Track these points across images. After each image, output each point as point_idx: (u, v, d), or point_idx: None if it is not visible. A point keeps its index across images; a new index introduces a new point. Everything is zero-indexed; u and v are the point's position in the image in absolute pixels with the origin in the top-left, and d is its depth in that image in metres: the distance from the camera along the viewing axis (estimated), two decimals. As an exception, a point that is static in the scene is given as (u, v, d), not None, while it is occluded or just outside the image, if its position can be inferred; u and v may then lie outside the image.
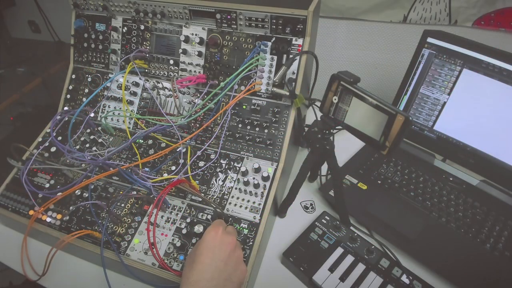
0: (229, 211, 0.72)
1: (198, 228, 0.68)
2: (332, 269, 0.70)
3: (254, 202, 0.73)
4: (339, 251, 0.73)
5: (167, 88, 0.88)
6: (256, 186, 0.74)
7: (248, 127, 0.81)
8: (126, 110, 0.89)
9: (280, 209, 0.83)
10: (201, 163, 0.80)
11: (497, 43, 0.83)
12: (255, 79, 0.80)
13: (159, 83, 0.88)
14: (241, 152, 0.81)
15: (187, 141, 0.83)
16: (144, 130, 0.86)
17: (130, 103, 0.91)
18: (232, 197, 0.74)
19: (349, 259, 0.72)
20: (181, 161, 0.80)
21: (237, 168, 0.78)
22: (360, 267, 0.70)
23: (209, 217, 0.72)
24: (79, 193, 0.78)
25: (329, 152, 0.70)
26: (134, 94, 0.90)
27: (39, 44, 1.96)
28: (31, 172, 0.83)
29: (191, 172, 0.78)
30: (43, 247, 0.77)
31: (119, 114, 0.91)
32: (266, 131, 0.80)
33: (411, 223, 0.80)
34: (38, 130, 0.92)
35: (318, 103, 0.73)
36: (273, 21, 0.76)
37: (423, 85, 0.90)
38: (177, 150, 0.82)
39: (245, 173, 0.76)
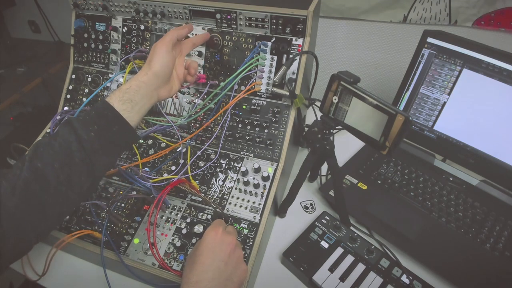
0: (229, 211, 0.72)
1: (198, 228, 0.68)
2: (332, 269, 0.70)
3: (254, 202, 0.73)
4: (339, 251, 0.73)
5: (167, 88, 0.88)
6: (256, 186, 0.74)
7: (248, 127, 0.81)
8: (126, 110, 0.89)
9: (280, 209, 0.83)
10: (201, 163, 0.80)
11: (497, 43, 0.83)
12: (255, 79, 0.80)
13: (159, 83, 0.88)
14: (241, 152, 0.81)
15: (187, 141, 0.83)
16: (144, 130, 0.86)
17: (130, 103, 0.90)
18: (232, 197, 0.74)
19: (349, 259, 0.72)
20: (181, 161, 0.80)
21: (237, 168, 0.78)
22: (360, 267, 0.70)
23: (209, 217, 0.72)
24: (79, 193, 0.78)
25: (329, 152, 0.70)
26: (134, 94, 0.90)
27: (39, 44, 1.96)
28: (31, 172, 0.83)
29: (191, 172, 0.78)
30: (43, 247, 0.77)
31: (119, 114, 0.91)
32: (266, 131, 0.80)
33: (411, 223, 0.80)
34: (38, 130, 0.92)
35: (318, 103, 0.73)
36: (273, 21, 0.76)
37: (423, 85, 0.90)
38: (177, 150, 0.82)
39: (245, 173, 0.76)
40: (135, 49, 0.89)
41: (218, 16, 0.79)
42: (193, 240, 0.68)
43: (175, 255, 0.67)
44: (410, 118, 0.53)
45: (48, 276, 0.73)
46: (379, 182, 0.90)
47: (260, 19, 0.77)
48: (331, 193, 0.85)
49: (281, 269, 0.75)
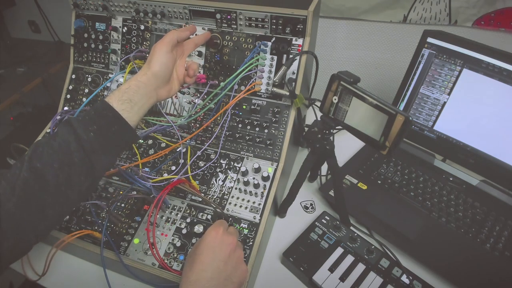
0: (229, 211, 0.72)
1: (198, 228, 0.68)
2: (332, 269, 0.70)
3: (254, 202, 0.73)
4: (339, 251, 0.73)
5: (167, 88, 0.88)
6: (256, 186, 0.74)
7: (248, 127, 0.81)
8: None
9: (280, 209, 0.83)
10: (201, 163, 0.80)
11: (497, 43, 0.83)
12: (255, 79, 0.80)
13: (159, 83, 0.88)
14: (241, 152, 0.81)
15: (187, 141, 0.83)
16: (144, 130, 0.86)
17: (130, 103, 0.90)
18: (232, 197, 0.74)
19: (349, 259, 0.72)
20: (181, 161, 0.80)
21: (237, 168, 0.78)
22: (360, 267, 0.70)
23: (209, 217, 0.72)
24: (79, 193, 0.78)
25: (329, 152, 0.70)
26: (134, 94, 0.90)
27: (39, 44, 1.96)
28: (31, 172, 0.83)
29: (191, 172, 0.78)
30: (43, 247, 0.77)
31: (119, 114, 0.91)
32: (266, 131, 0.80)
33: (411, 223, 0.80)
34: (38, 130, 0.92)
35: (318, 103, 0.73)
36: (273, 21, 0.76)
37: (423, 85, 0.90)
38: (177, 150, 0.82)
39: (245, 173, 0.76)
40: (135, 49, 0.89)
41: (218, 16, 0.79)
42: (193, 240, 0.68)
43: (175, 255, 0.67)
44: (410, 118, 0.53)
45: (48, 276, 0.73)
46: (379, 182, 0.90)
47: (260, 19, 0.77)
48: (331, 193, 0.85)
49: (281, 269, 0.75)
